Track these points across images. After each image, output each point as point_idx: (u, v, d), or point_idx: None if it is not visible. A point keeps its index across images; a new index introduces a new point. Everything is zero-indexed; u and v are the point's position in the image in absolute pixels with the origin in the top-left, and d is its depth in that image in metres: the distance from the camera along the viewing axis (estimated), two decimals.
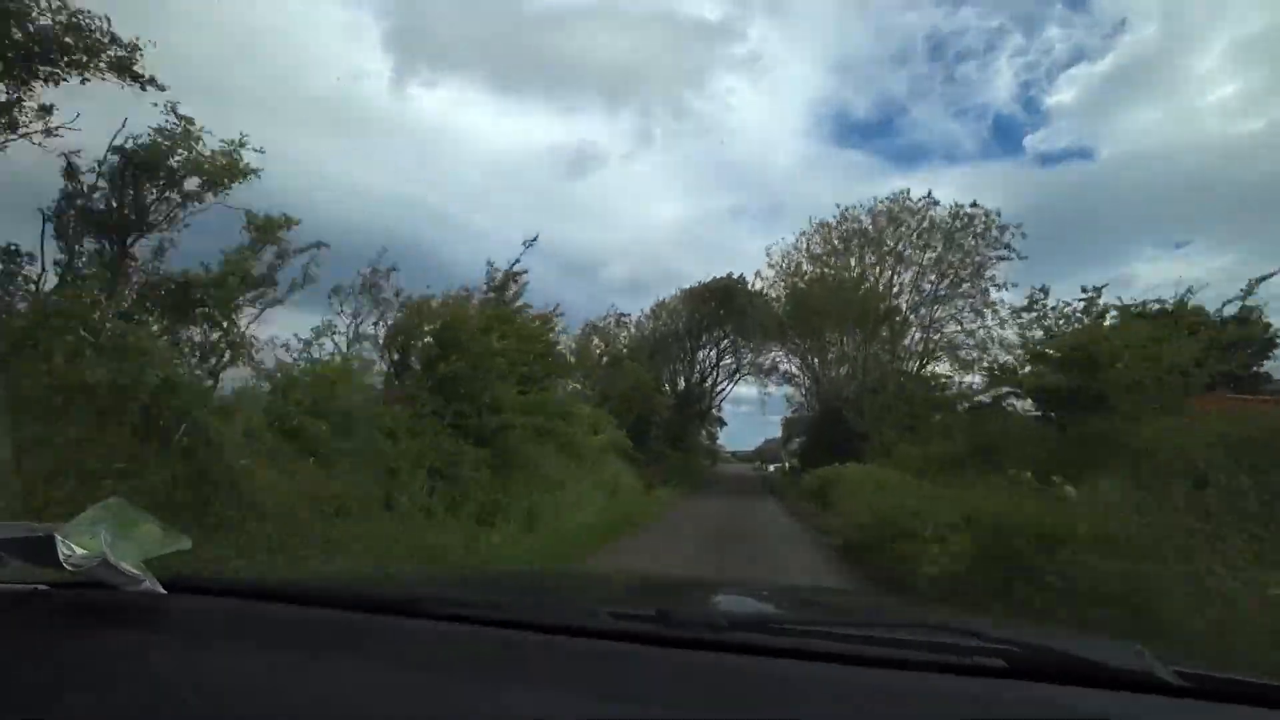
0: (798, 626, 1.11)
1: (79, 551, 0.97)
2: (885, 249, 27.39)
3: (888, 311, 26.54)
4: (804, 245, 29.33)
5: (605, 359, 26.63)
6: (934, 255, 26.53)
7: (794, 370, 33.20)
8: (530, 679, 0.90)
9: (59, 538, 0.96)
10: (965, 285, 25.86)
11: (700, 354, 33.29)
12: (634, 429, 22.77)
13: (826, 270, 28.36)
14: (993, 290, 24.80)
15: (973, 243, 25.73)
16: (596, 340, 28.18)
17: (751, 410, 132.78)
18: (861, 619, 1.43)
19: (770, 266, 30.60)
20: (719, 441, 53.04)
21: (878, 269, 27.65)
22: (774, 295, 30.56)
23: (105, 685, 0.87)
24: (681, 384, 33.09)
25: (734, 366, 35.16)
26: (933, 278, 26.56)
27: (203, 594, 1.19)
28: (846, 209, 28.19)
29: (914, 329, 27.19)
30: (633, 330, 31.76)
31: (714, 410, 37.97)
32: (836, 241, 28.44)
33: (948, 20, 72.05)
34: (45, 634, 1.01)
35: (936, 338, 26.76)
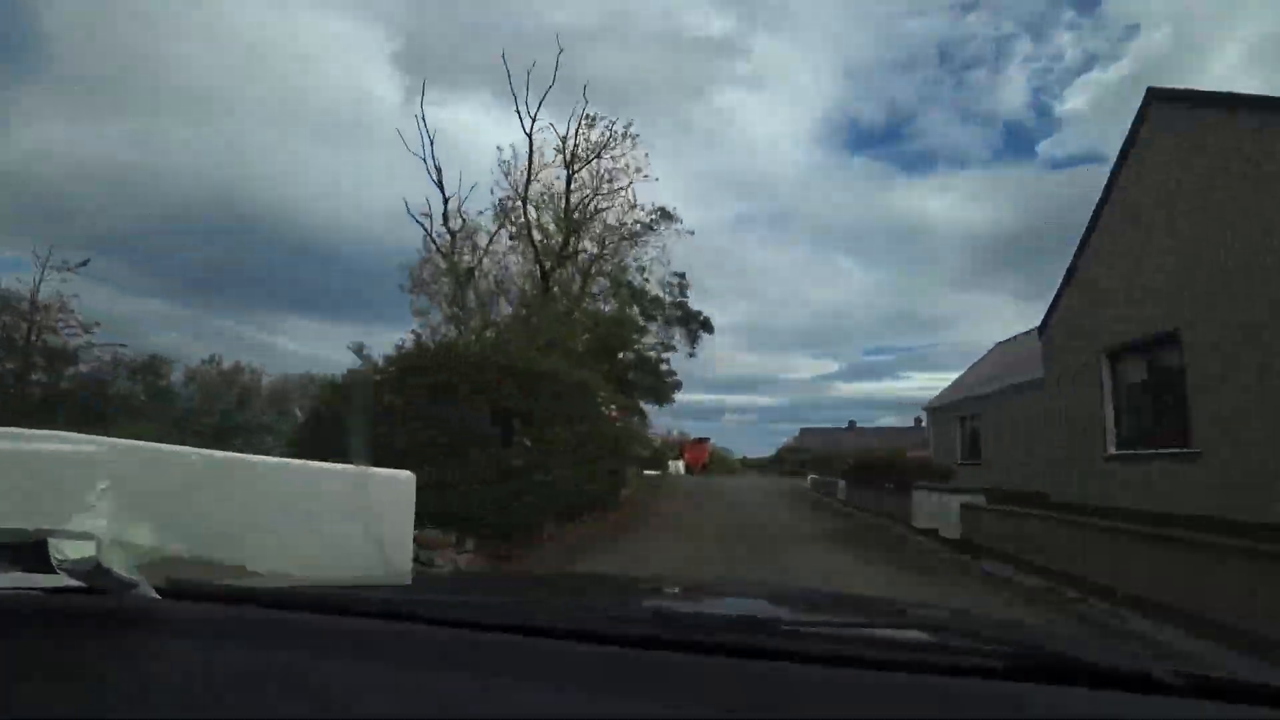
0: (796, 628, 1.10)
1: (71, 556, 0.96)
2: None
3: None
4: None
5: None
6: None
7: None
8: (527, 683, 0.89)
9: (51, 542, 0.95)
10: None
11: None
12: None
13: None
14: None
15: None
16: None
17: (757, 418, 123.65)
18: (861, 620, 1.42)
19: None
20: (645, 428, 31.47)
21: None
22: None
23: (98, 691, 0.86)
24: None
25: None
26: None
27: (196, 599, 1.18)
28: None
29: None
30: None
31: None
32: None
33: (955, 27, 71.50)
34: (37, 640, 1.00)
35: None
